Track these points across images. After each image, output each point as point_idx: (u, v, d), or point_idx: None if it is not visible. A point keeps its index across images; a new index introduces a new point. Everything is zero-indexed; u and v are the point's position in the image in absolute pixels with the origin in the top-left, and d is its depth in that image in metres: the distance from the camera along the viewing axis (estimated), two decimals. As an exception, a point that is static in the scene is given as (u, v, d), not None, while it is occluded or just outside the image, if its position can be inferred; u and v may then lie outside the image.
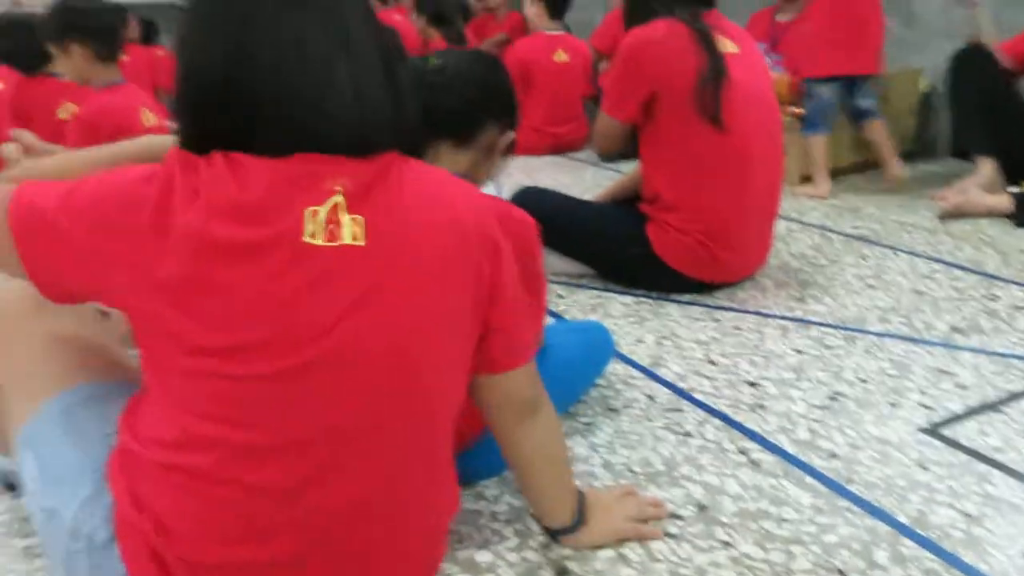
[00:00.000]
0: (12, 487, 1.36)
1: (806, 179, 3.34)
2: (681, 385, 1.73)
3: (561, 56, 4.00)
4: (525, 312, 1.03)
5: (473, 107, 1.36)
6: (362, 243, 0.85)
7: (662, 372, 1.79)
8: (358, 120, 0.89)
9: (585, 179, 3.65)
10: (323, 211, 0.84)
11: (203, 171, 0.84)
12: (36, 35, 3.94)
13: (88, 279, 0.88)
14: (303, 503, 0.85)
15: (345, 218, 0.85)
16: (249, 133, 0.86)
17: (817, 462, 1.42)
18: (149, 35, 5.93)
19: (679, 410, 1.63)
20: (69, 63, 2.44)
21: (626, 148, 2.42)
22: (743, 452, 1.47)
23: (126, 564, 0.86)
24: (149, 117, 2.54)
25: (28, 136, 2.63)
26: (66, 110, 3.06)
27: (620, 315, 2.13)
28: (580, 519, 1.18)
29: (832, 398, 1.65)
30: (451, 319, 0.91)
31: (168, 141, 0.98)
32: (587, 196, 2.61)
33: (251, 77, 0.87)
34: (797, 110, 3.26)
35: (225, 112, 0.88)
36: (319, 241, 0.83)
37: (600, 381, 1.71)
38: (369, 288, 0.85)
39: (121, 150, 0.99)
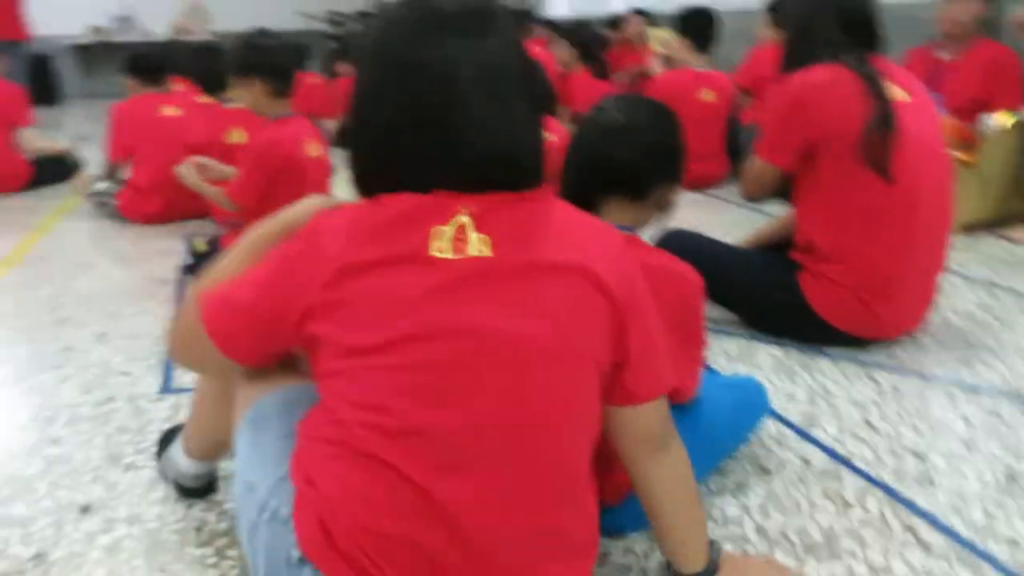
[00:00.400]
0: (186, 492, 1.45)
1: (968, 228, 3.14)
2: (839, 449, 1.65)
3: (706, 94, 3.95)
4: (660, 351, 1.04)
5: (652, 166, 1.36)
6: (489, 255, 0.92)
7: (817, 433, 1.72)
8: (508, 158, 0.95)
9: (726, 218, 3.57)
10: (449, 229, 0.92)
11: (348, 210, 0.96)
12: (221, 63, 4.26)
13: (277, 343, 1.02)
14: (439, 487, 0.90)
15: (472, 235, 0.92)
16: (410, 172, 0.95)
17: (996, 550, 1.32)
18: (300, 62, 6.26)
19: (837, 476, 1.55)
20: (248, 96, 2.60)
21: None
22: (910, 530, 1.38)
23: (298, 532, 0.94)
24: (311, 148, 2.67)
25: (202, 159, 2.83)
26: (235, 136, 3.26)
27: (768, 367, 2.06)
28: (711, 570, 1.14)
29: (1011, 477, 1.53)
30: (570, 345, 0.94)
31: (311, 208, 1.09)
32: (728, 236, 2.55)
33: (415, 120, 0.94)
34: (966, 156, 3.07)
35: (392, 155, 0.96)
36: (446, 255, 0.91)
37: (750, 437, 1.65)
38: (494, 294, 0.91)
39: (275, 224, 1.09)
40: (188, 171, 2.82)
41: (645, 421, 1.06)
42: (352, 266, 0.91)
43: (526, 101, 0.97)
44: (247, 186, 2.62)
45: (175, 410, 1.84)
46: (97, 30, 10.43)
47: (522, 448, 0.92)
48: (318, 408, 0.99)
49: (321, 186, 2.77)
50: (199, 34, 10.64)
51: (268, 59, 2.55)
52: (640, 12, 6.34)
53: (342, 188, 1.37)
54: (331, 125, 5.53)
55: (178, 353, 1.11)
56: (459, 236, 0.92)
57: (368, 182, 1.00)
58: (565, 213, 1.00)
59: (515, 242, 0.93)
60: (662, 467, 1.09)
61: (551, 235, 0.96)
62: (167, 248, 3.21)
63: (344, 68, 5.86)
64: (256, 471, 1.04)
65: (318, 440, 0.96)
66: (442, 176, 0.94)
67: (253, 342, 1.03)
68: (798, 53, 2.11)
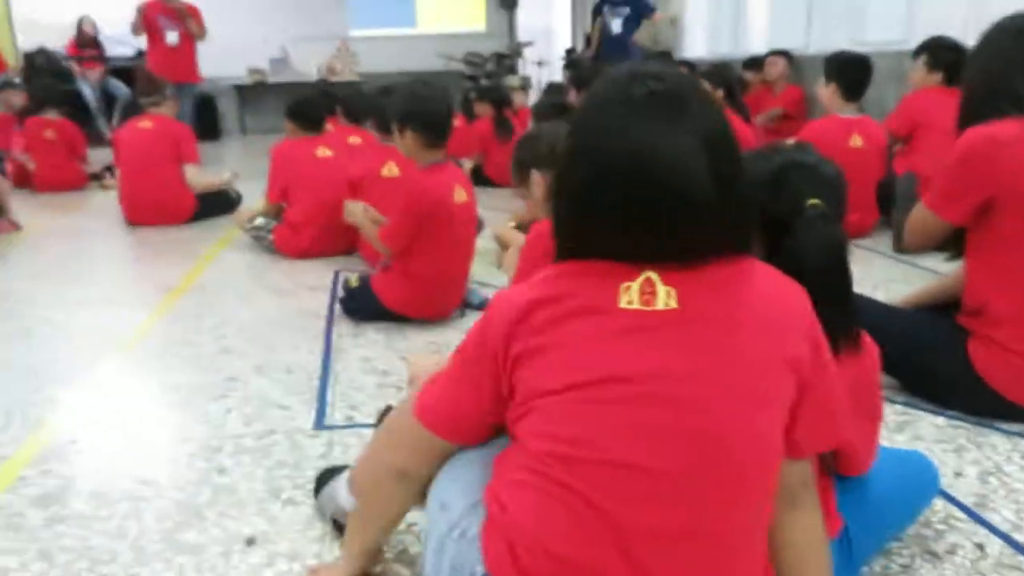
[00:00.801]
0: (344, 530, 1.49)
1: None
2: (1017, 537, 1.52)
3: (856, 141, 3.79)
4: (835, 411, 1.05)
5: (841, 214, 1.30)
6: (675, 307, 0.96)
7: (991, 517, 1.59)
8: (707, 236, 0.98)
9: (874, 271, 3.41)
10: (636, 284, 0.98)
11: (534, 279, 1.04)
12: (366, 102, 4.51)
13: (494, 417, 1.10)
14: (626, 518, 0.94)
15: (660, 288, 0.97)
16: (605, 243, 1.01)
17: None
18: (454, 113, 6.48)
19: (1017, 567, 1.43)
20: (402, 143, 2.72)
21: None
22: (1107, 638, 1.25)
23: (485, 551, 1.01)
24: (459, 195, 2.75)
25: (360, 207, 2.97)
26: (389, 169, 3.41)
27: (932, 439, 1.93)
28: None
29: None
30: (757, 393, 0.97)
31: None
32: (879, 291, 2.43)
33: (615, 200, 0.97)
34: None
35: (587, 228, 1.02)
36: (635, 306, 0.97)
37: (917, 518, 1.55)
38: (682, 342, 0.96)
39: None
40: (356, 208, 2.98)
41: (787, 469, 1.04)
42: (542, 313, 0.99)
43: (730, 175, 0.98)
44: (397, 230, 2.72)
45: (329, 447, 1.92)
46: (255, 72, 11.20)
47: (709, 486, 0.95)
48: (515, 445, 1.06)
49: (467, 232, 2.84)
50: (346, 75, 11.25)
51: (422, 113, 2.66)
52: (783, 53, 6.20)
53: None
54: (468, 165, 5.69)
55: (396, 457, 1.20)
56: (647, 289, 0.97)
57: (565, 246, 1.06)
58: (755, 274, 1.02)
59: (703, 297, 0.97)
60: (791, 526, 1.08)
61: (742, 294, 1.00)
62: (317, 283, 3.38)
63: (482, 109, 6.02)
64: (451, 493, 1.11)
65: (513, 470, 1.02)
66: (637, 247, 0.99)
67: (476, 421, 1.11)
68: (981, 106, 1.99)
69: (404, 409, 1.21)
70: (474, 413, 1.10)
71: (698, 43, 8.26)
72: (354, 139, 4.44)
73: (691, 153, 0.94)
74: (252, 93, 11.37)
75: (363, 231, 3.01)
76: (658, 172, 0.95)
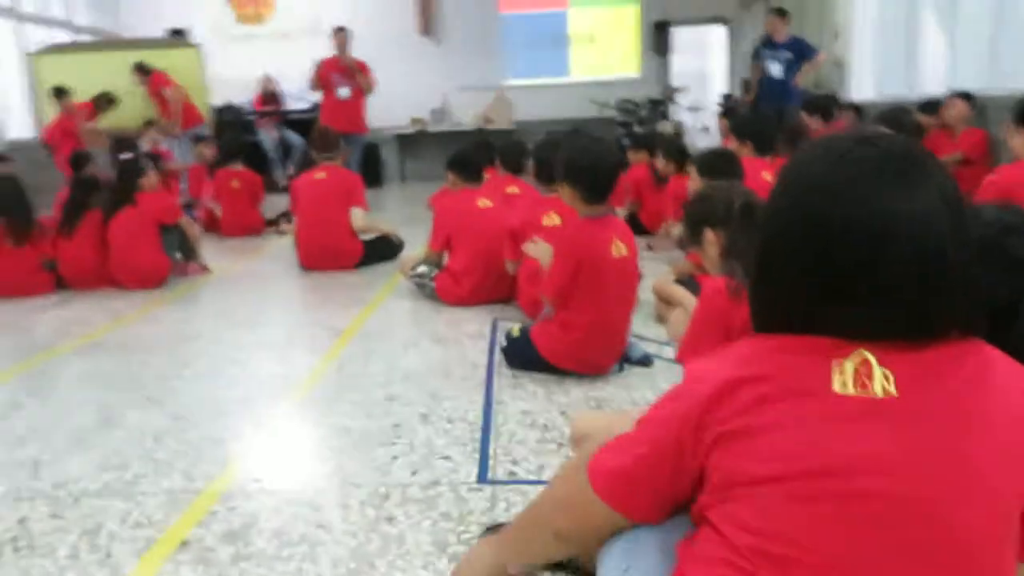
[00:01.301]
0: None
1: None
2: None
3: (1054, 189, 3.47)
4: None
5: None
6: (894, 394, 0.89)
7: None
8: (934, 314, 0.91)
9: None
10: (850, 365, 0.90)
11: (729, 350, 0.99)
12: (523, 151, 4.60)
13: (679, 490, 1.03)
14: None
15: (877, 371, 0.90)
16: (815, 318, 0.94)
17: None
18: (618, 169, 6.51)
19: None
20: (564, 194, 2.76)
21: None
22: None
23: None
24: (617, 249, 2.74)
25: (546, 245, 3.01)
26: (550, 219, 3.45)
27: None
28: None
29: None
30: (999, 502, 0.88)
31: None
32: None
33: (831, 272, 0.92)
34: None
35: (797, 300, 0.96)
36: (849, 391, 0.89)
37: None
38: (902, 436, 0.88)
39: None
40: (542, 248, 3.03)
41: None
42: (745, 393, 0.93)
43: (967, 240, 0.91)
44: (555, 281, 2.75)
45: (492, 502, 1.93)
46: (417, 121, 11.76)
47: None
48: (704, 530, 1.00)
49: (626, 285, 2.82)
50: (502, 123, 11.60)
51: (585, 167, 2.68)
52: (963, 95, 5.81)
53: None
54: (622, 213, 5.68)
55: (559, 520, 1.17)
56: (863, 371, 0.90)
57: (766, 319, 1.01)
58: (988, 361, 0.93)
59: (926, 384, 0.90)
60: None
61: (974, 384, 0.90)
62: (476, 331, 3.46)
63: (637, 156, 6.01)
64: (632, 557, 1.08)
65: (708, 562, 0.96)
66: (858, 321, 0.92)
67: (652, 498, 1.05)
68: None
69: (574, 468, 1.15)
70: (653, 489, 1.04)
71: (865, 85, 7.90)
72: (512, 189, 4.54)
73: (936, 216, 0.88)
74: (412, 141, 11.94)
75: (542, 267, 3.04)
76: (902, 237, 0.88)
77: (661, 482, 1.03)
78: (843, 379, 0.90)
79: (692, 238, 2.05)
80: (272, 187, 8.90)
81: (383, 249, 5.15)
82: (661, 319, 3.45)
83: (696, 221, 2.03)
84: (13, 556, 1.78)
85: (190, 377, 3.01)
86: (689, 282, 3.49)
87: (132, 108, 8.61)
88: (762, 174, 4.11)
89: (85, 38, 11.25)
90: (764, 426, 0.92)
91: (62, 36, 10.85)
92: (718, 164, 3.35)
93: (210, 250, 5.41)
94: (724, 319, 1.84)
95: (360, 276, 4.80)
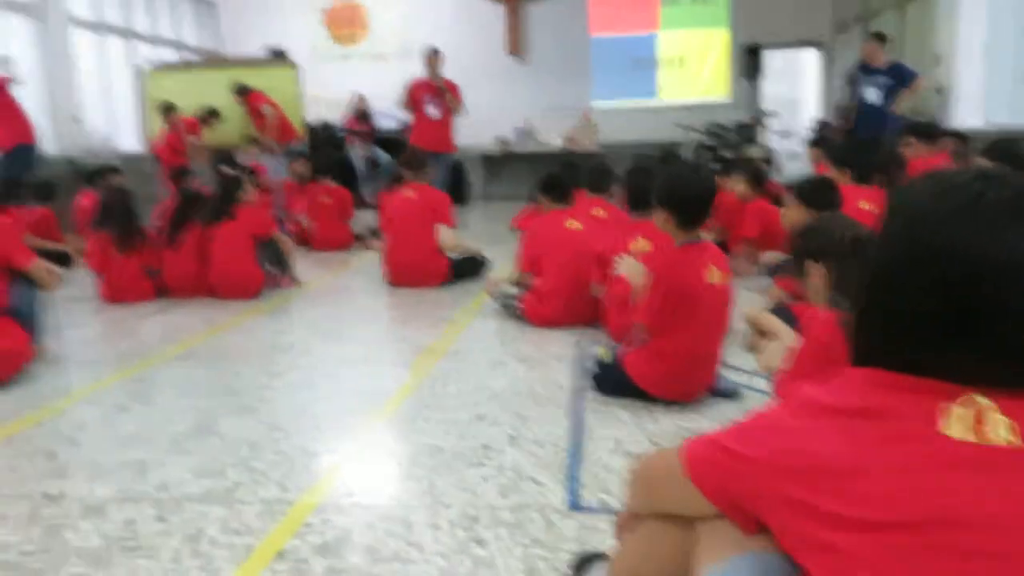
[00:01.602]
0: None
1: None
2: None
3: None
4: None
5: None
6: (1019, 444, 0.83)
7: None
8: None
9: None
10: (964, 411, 0.86)
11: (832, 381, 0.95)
12: (608, 174, 4.58)
13: (752, 502, 0.99)
14: None
15: (997, 419, 0.85)
16: (923, 359, 0.89)
17: None
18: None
19: None
20: (659, 220, 2.73)
21: None
22: None
23: None
24: (712, 275, 2.69)
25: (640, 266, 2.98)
26: (638, 244, 3.42)
27: None
28: None
29: None
30: None
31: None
32: None
33: (947, 312, 0.87)
34: None
35: (906, 341, 0.91)
36: (964, 436, 0.85)
37: None
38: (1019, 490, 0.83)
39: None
40: (627, 265, 3.00)
41: None
42: (847, 427, 0.89)
43: None
44: (651, 308, 2.71)
45: (582, 530, 1.91)
46: (502, 141, 11.88)
47: None
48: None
49: (719, 313, 2.77)
50: (587, 145, 11.61)
51: (681, 195, 2.65)
52: (1079, 124, 5.51)
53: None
54: (708, 238, 5.58)
55: (643, 491, 1.17)
56: (979, 418, 0.85)
57: (869, 354, 0.96)
58: None
59: None
60: None
61: None
62: (562, 353, 3.44)
63: (729, 183, 5.90)
64: None
65: None
66: (965, 367, 0.87)
67: (732, 486, 1.01)
68: None
69: (662, 454, 1.13)
70: (749, 488, 0.99)
71: (969, 112, 7.59)
72: (598, 211, 4.53)
73: None
74: (497, 161, 12.06)
75: (634, 293, 3.00)
76: (1003, 280, 0.84)
77: (758, 483, 0.98)
78: (957, 424, 0.86)
79: (798, 269, 2.00)
80: (360, 203, 9.10)
81: (469, 267, 5.20)
82: (752, 348, 3.36)
83: (804, 253, 1.97)
84: (121, 556, 1.84)
85: (282, 388, 3.08)
86: (782, 311, 3.40)
87: (233, 124, 8.98)
88: (860, 203, 3.98)
89: (191, 56, 11.80)
90: (867, 467, 0.87)
91: (170, 54, 11.41)
92: (819, 193, 3.27)
93: (300, 263, 5.56)
94: (830, 353, 1.78)
95: (446, 294, 4.85)
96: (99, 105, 10.20)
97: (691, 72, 12.09)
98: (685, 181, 2.68)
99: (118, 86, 10.52)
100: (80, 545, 1.89)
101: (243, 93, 8.78)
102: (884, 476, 0.87)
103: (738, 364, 3.14)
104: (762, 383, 2.88)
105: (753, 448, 0.98)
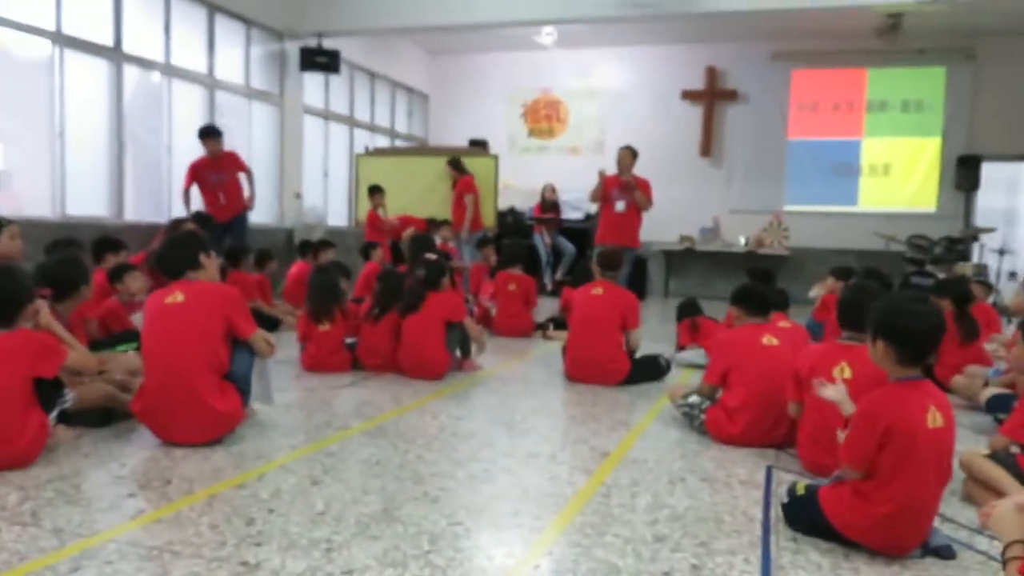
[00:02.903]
0: None
1: None
2: None
3: None
4: None
5: None
6: None
7: None
8: None
9: None
10: None
11: None
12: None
13: None
14: None
15: None
16: None
17: None
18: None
19: None
20: (874, 352, 2.54)
21: None
22: None
23: None
24: (935, 418, 2.45)
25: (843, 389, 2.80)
26: (841, 371, 3.19)
27: None
28: None
29: None
30: None
31: None
32: None
33: None
34: None
35: None
36: None
37: None
38: None
39: None
40: (833, 391, 2.83)
41: None
42: None
43: None
44: (857, 447, 2.50)
45: None
46: (685, 239, 11.77)
47: None
48: None
49: (938, 460, 2.49)
50: (775, 248, 11.25)
51: (903, 329, 2.46)
52: None
53: None
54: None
55: None
56: None
57: None
58: None
59: None
60: None
61: None
62: (748, 477, 3.25)
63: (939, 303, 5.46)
64: None
65: None
66: None
67: None
68: None
69: None
70: None
71: None
72: (784, 324, 4.33)
73: None
74: (679, 258, 11.94)
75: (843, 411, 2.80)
76: None
77: None
78: None
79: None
80: (541, 290, 9.29)
81: (650, 369, 5.11)
82: (969, 499, 3.02)
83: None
84: (307, 639, 1.89)
85: (464, 479, 3.12)
86: (1006, 459, 3.04)
87: (432, 206, 9.54)
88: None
89: (401, 143, 12.78)
90: None
91: (383, 140, 12.40)
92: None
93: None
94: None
95: (624, 394, 4.78)
96: (318, 183, 11.22)
97: (896, 180, 11.51)
98: (912, 314, 2.47)
99: (335, 167, 11.55)
100: (271, 620, 1.96)
101: (459, 170, 9.33)
102: None
103: (954, 516, 2.82)
104: (984, 542, 2.57)
105: None
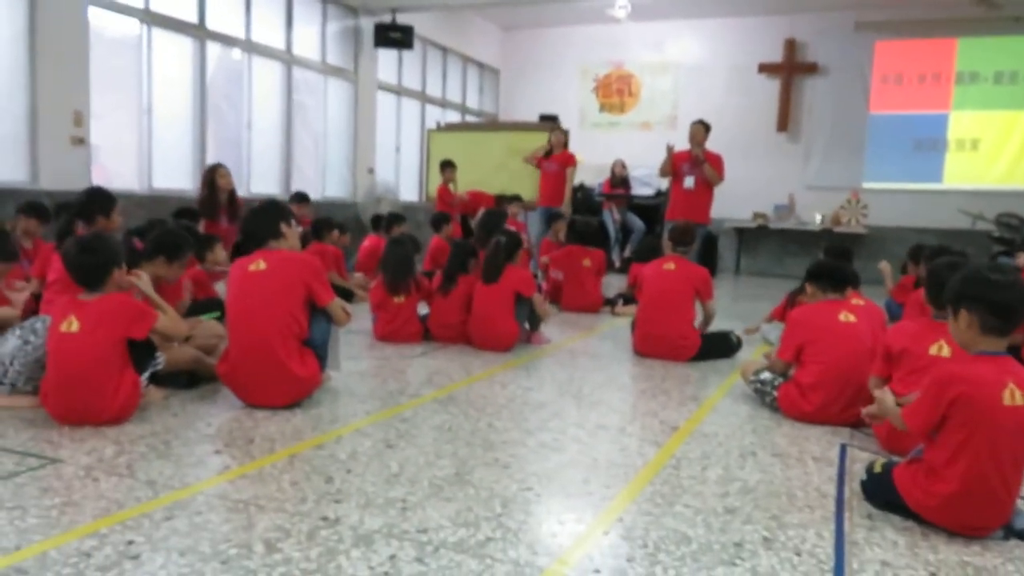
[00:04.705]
0: None
1: None
2: None
3: None
4: None
5: None
6: None
7: None
8: None
9: None
10: None
11: None
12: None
13: None
14: None
15: None
16: None
17: None
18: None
19: None
20: (954, 326, 2.47)
21: None
22: None
23: None
24: (1014, 395, 2.37)
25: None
26: (938, 349, 3.09)
27: None
28: None
29: None
30: None
31: None
32: None
33: None
34: None
35: None
36: None
37: None
38: None
39: None
40: (886, 403, 2.76)
41: None
42: None
43: None
44: (918, 411, 2.45)
45: (849, 664, 1.73)
46: (759, 216, 11.52)
47: None
48: None
49: (1016, 440, 2.41)
50: (852, 226, 10.91)
51: (990, 297, 2.38)
52: None
53: None
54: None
55: None
56: None
57: None
58: None
59: None
60: None
61: None
62: (821, 454, 3.21)
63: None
64: None
65: None
66: None
67: None
68: None
69: None
70: None
71: None
72: (857, 301, 4.21)
73: None
74: (751, 236, 11.71)
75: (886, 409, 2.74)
76: None
77: None
78: None
79: None
80: (609, 267, 9.26)
81: (720, 346, 5.06)
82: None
83: None
84: (386, 590, 1.97)
85: (534, 447, 3.16)
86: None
87: (502, 181, 9.57)
88: None
89: (472, 119, 12.83)
90: None
91: (454, 116, 12.48)
92: None
93: (550, 322, 5.73)
94: None
95: (694, 370, 4.75)
96: (390, 158, 11.38)
97: (985, 156, 11.00)
98: (997, 283, 2.39)
99: (407, 143, 11.68)
100: (351, 573, 2.04)
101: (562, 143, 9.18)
102: None
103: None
104: (1070, 528, 2.48)
105: None
